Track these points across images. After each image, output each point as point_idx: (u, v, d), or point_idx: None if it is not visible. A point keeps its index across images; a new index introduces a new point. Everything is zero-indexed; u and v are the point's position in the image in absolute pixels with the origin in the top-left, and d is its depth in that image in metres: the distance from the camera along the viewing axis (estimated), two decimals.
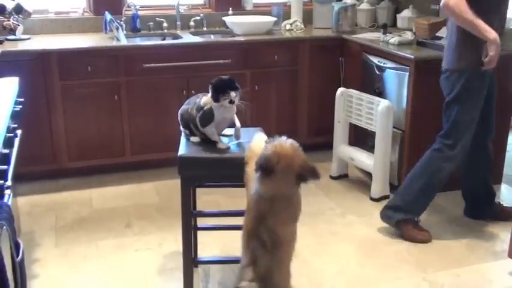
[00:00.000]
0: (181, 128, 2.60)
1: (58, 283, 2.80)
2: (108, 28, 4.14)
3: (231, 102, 2.42)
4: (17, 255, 1.97)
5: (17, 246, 1.99)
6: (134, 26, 4.31)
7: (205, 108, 2.44)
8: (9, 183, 2.05)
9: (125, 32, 4.12)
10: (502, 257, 2.99)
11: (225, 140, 2.53)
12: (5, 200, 1.99)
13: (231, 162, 2.42)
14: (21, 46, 3.80)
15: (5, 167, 1.98)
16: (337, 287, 2.74)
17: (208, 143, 2.51)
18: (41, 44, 3.83)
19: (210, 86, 2.44)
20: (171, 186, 3.85)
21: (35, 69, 3.69)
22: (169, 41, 4.20)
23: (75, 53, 3.76)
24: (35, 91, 3.67)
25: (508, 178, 3.97)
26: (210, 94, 2.45)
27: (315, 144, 4.44)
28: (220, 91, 2.41)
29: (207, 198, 3.52)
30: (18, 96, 2.72)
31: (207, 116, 2.44)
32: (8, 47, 3.75)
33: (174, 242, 3.13)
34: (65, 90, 3.79)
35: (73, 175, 4.00)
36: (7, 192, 2.01)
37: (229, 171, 2.43)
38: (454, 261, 3.01)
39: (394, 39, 3.88)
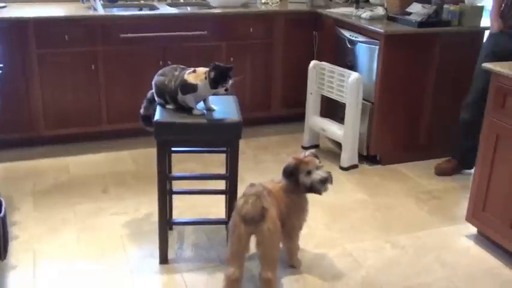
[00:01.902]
0: (156, 97, 2.69)
1: (37, 244, 2.89)
2: None
3: (226, 89, 2.52)
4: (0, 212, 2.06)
5: None
6: None
7: (191, 82, 2.52)
8: None
9: (102, 1, 4.15)
10: (460, 222, 3.16)
11: (200, 106, 2.63)
12: None
13: (205, 128, 2.53)
14: None
15: None
16: (306, 248, 2.88)
17: (183, 111, 2.60)
18: (17, 12, 3.85)
19: (211, 73, 2.49)
20: (146, 155, 3.95)
21: (12, 38, 3.71)
22: (146, 12, 4.25)
23: (52, 21, 3.79)
24: (12, 59, 3.70)
25: None
26: (198, 73, 2.53)
27: (288, 115, 4.59)
28: (220, 80, 2.49)
29: (182, 166, 3.62)
30: None
31: (191, 88, 2.53)
32: None
33: (150, 206, 3.23)
34: (42, 58, 3.83)
35: (50, 143, 4.07)
36: None
37: (203, 136, 2.55)
38: (415, 225, 3.19)
39: (365, 13, 4.00)
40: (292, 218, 2.59)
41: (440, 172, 3.84)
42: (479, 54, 3.56)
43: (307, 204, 2.66)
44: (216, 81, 2.49)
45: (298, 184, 2.55)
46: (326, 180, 2.53)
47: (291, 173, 2.55)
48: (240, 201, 2.41)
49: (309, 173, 2.53)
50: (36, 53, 3.80)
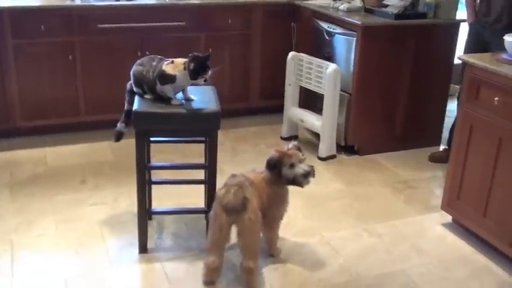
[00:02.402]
0: (134, 87, 2.68)
1: (15, 235, 2.88)
2: None
3: (205, 80, 2.53)
4: None
5: None
6: None
7: (169, 73, 2.52)
8: None
9: None
10: (436, 211, 3.23)
11: (178, 96, 2.63)
12: None
13: (183, 117, 2.54)
14: None
15: None
16: (286, 237, 2.92)
17: (161, 101, 2.60)
18: None
19: (190, 64, 2.49)
20: (125, 146, 3.87)
21: None
22: (124, 2, 4.20)
23: (27, 11, 3.75)
24: None
25: (445, 140, 4.23)
26: (176, 64, 2.54)
27: (267, 107, 4.61)
28: (200, 71, 2.50)
29: (161, 156, 3.63)
30: None
31: (169, 79, 2.53)
32: None
33: (129, 197, 3.23)
34: (18, 49, 3.79)
35: (27, 134, 4.03)
36: None
37: (182, 126, 2.56)
38: (392, 214, 3.24)
39: (343, 5, 4.03)
40: (273, 209, 2.62)
41: (435, 159, 3.91)
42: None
43: (287, 195, 2.69)
44: (196, 72, 2.50)
45: (281, 176, 2.58)
46: (308, 174, 2.57)
47: (275, 166, 2.57)
48: (221, 191, 2.43)
49: (292, 166, 2.56)
50: (11, 44, 3.76)
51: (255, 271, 2.48)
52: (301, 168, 2.56)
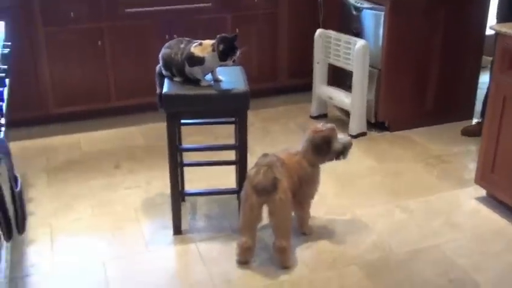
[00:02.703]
0: (163, 70, 2.70)
1: (53, 219, 2.96)
2: None
3: (234, 61, 2.54)
4: (16, 187, 2.11)
5: (15, 179, 2.12)
6: None
7: (198, 55, 2.54)
8: (3, 120, 2.17)
9: None
10: (469, 185, 3.19)
11: (207, 78, 2.65)
12: (1, 136, 2.11)
13: (213, 98, 2.55)
14: None
15: (0, 103, 2.09)
16: (317, 214, 2.92)
17: (190, 83, 2.62)
18: None
19: (220, 46, 2.50)
20: (156, 129, 3.98)
21: (18, 17, 3.72)
22: None
23: None
24: (19, 38, 3.70)
25: (478, 114, 4.16)
26: (204, 45, 2.55)
27: (296, 85, 4.59)
28: (229, 52, 2.51)
29: (192, 139, 3.65)
30: (5, 40, 2.79)
31: (197, 61, 2.55)
32: None
33: (162, 180, 3.27)
34: (49, 36, 3.85)
35: (60, 121, 4.11)
36: (2, 128, 2.13)
37: (212, 107, 2.58)
38: (424, 190, 3.22)
39: None
40: (304, 188, 2.64)
41: (468, 133, 3.86)
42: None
43: (319, 176, 2.70)
44: (225, 53, 2.52)
45: (329, 152, 2.61)
46: (351, 144, 2.68)
47: (327, 142, 2.60)
48: (252, 171, 2.44)
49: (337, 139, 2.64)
50: (43, 31, 3.82)
51: (287, 250, 2.50)
52: (345, 139, 2.65)
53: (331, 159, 2.67)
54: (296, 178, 2.57)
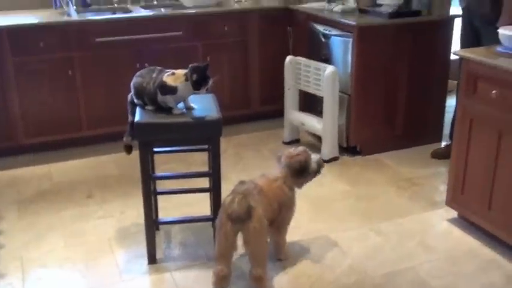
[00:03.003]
0: (134, 98, 2.71)
1: (25, 251, 2.90)
2: (58, 4, 4.16)
3: (207, 90, 2.58)
4: None
5: None
6: (84, 1, 4.34)
7: (170, 84, 2.55)
8: None
9: (75, 7, 4.15)
10: (441, 207, 3.25)
11: (179, 106, 2.66)
12: None
13: (186, 126, 2.56)
14: None
15: None
16: (293, 239, 2.93)
17: (162, 111, 2.63)
18: None
19: (193, 76, 2.53)
20: (129, 158, 3.89)
21: None
22: (120, 15, 4.25)
23: (26, 29, 3.78)
24: None
25: (446, 136, 4.25)
26: (177, 75, 2.57)
27: (268, 112, 4.63)
28: (202, 82, 2.54)
29: (165, 167, 3.65)
30: None
31: (170, 90, 2.56)
32: None
33: (135, 209, 3.25)
34: (18, 66, 3.82)
35: (31, 151, 4.06)
36: None
37: (184, 134, 2.59)
38: (397, 213, 3.26)
39: (337, 7, 4.07)
40: (283, 213, 2.65)
41: (438, 155, 3.93)
42: None
43: (295, 199, 2.72)
44: (199, 83, 2.54)
45: (307, 175, 2.68)
46: (322, 161, 2.79)
47: (305, 167, 2.67)
48: (227, 199, 2.44)
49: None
50: (12, 61, 3.79)
51: (263, 279, 2.49)
52: (316, 158, 2.74)
53: (309, 181, 2.73)
54: (276, 205, 2.58)
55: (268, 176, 2.66)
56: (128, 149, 2.75)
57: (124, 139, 2.74)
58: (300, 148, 2.72)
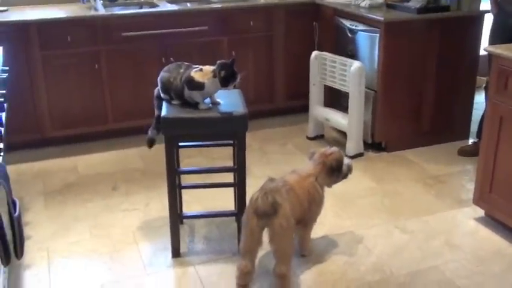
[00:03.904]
0: (161, 93, 2.72)
1: (51, 242, 2.94)
2: None
3: (235, 86, 2.58)
4: (14, 212, 2.10)
5: (13, 203, 2.12)
6: None
7: (198, 80, 2.56)
8: (1, 145, 2.17)
9: (102, 1, 4.17)
10: (468, 205, 3.20)
11: (205, 101, 2.66)
12: (0, 160, 2.11)
13: (211, 121, 2.56)
14: (0, 18, 3.85)
15: None
16: (317, 236, 2.92)
17: (189, 106, 2.63)
18: (19, 15, 3.88)
19: (221, 73, 2.53)
20: (154, 151, 3.92)
21: (15, 41, 3.74)
22: (146, 10, 4.27)
23: (54, 23, 3.82)
24: (17, 62, 3.72)
25: (474, 134, 4.18)
26: (205, 72, 2.57)
27: (292, 107, 4.62)
28: (230, 78, 2.54)
29: (190, 161, 3.67)
30: (3, 65, 2.80)
31: (197, 86, 2.56)
32: None
33: (160, 202, 3.27)
34: (46, 60, 3.86)
35: (57, 144, 4.10)
36: (1, 153, 2.12)
37: (210, 130, 2.59)
38: (423, 210, 3.22)
39: (364, 2, 4.02)
40: (312, 211, 2.64)
41: (465, 153, 3.88)
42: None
43: (324, 197, 2.73)
44: (227, 79, 2.54)
45: (335, 177, 2.69)
46: (352, 165, 2.78)
47: (340, 165, 2.69)
48: (254, 195, 2.43)
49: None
50: (40, 55, 3.83)
51: (287, 276, 2.47)
52: (347, 161, 2.74)
53: (339, 181, 2.73)
54: (306, 203, 2.56)
55: (300, 173, 2.64)
56: (151, 143, 2.76)
57: (149, 133, 2.75)
58: (335, 148, 2.72)
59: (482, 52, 3.82)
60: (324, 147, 2.74)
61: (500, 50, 2.79)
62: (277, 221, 2.37)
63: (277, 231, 2.39)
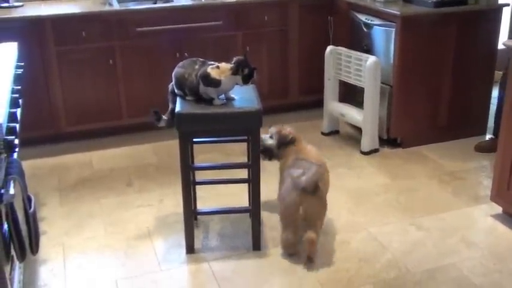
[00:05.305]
0: (175, 89, 2.70)
1: (66, 238, 2.95)
2: None
3: (253, 82, 2.61)
4: (29, 208, 2.10)
5: (28, 199, 2.12)
6: None
7: (214, 77, 2.55)
8: (17, 141, 2.17)
9: None
10: (485, 202, 3.16)
11: (221, 97, 2.64)
12: (15, 156, 2.12)
13: (226, 117, 2.55)
14: (15, 13, 3.85)
15: (14, 124, 2.09)
16: (331, 233, 2.90)
17: (203, 102, 2.62)
18: (34, 10, 3.89)
19: (244, 70, 2.55)
20: (168, 147, 3.98)
21: (30, 36, 3.75)
22: (160, 5, 4.25)
23: (69, 18, 3.83)
24: (31, 58, 3.73)
25: (491, 129, 4.12)
26: (222, 69, 2.57)
27: (307, 102, 4.59)
28: (250, 76, 2.57)
29: (204, 157, 3.65)
30: (18, 61, 2.81)
31: (213, 82, 2.56)
32: (2, 14, 3.80)
33: (174, 198, 3.27)
34: (61, 55, 3.87)
35: (72, 139, 4.12)
36: (16, 149, 2.12)
37: (224, 125, 2.57)
38: (439, 207, 3.18)
39: None
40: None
41: (482, 149, 3.83)
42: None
43: None
44: (250, 77, 2.56)
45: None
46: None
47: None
48: (295, 172, 2.63)
49: None
50: (55, 51, 3.84)
51: (316, 243, 2.63)
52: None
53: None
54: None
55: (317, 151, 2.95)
56: (158, 118, 2.72)
57: (163, 116, 2.73)
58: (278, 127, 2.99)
59: (500, 46, 3.76)
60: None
61: None
62: (315, 198, 2.58)
63: (316, 205, 2.62)
